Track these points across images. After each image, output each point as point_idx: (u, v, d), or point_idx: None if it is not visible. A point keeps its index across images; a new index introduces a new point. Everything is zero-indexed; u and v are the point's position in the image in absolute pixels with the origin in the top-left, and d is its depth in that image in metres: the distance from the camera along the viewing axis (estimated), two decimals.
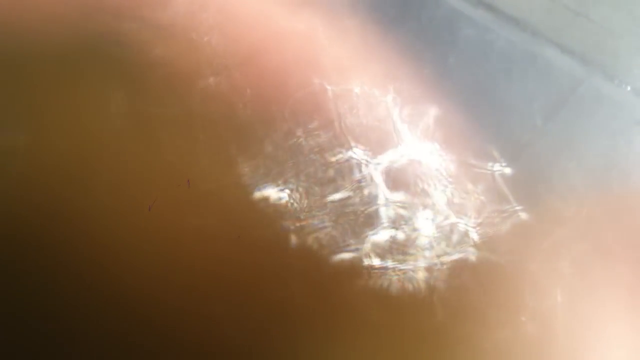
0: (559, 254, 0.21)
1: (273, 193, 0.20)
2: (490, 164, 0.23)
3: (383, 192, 0.21)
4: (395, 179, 0.21)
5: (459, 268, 0.20)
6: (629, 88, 0.25)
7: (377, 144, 0.22)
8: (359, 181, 0.20)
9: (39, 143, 0.20)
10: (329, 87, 0.21)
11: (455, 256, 0.20)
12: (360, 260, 0.19)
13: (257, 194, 0.20)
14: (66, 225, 0.19)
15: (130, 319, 0.19)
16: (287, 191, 0.20)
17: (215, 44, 0.21)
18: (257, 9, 0.22)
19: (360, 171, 0.21)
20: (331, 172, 0.21)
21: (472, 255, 0.21)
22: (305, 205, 0.20)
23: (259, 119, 0.20)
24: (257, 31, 0.22)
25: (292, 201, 0.20)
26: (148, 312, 0.19)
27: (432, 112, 0.23)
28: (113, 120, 0.20)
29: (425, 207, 0.21)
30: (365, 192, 0.21)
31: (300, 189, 0.20)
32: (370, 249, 0.20)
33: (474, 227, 0.21)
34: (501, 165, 0.23)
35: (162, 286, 0.19)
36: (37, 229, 0.19)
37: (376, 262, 0.20)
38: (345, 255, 0.19)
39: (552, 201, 0.23)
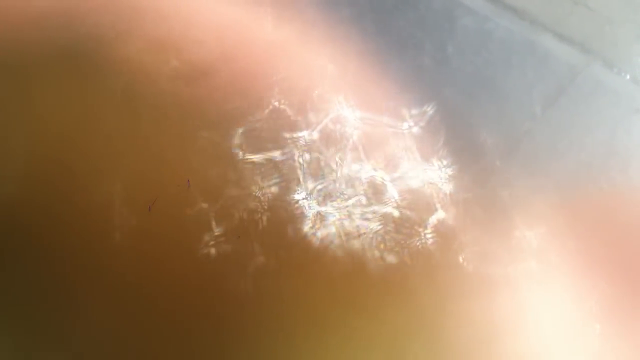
0: (552, 245, 0.22)
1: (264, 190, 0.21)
2: (488, 157, 0.23)
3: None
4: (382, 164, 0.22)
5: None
6: (628, 76, 0.25)
7: (376, 140, 0.22)
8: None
9: (38, 144, 0.20)
10: (316, 92, 0.22)
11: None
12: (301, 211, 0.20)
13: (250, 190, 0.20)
14: (66, 224, 0.19)
15: (130, 318, 0.19)
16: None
17: (187, 50, 0.22)
18: (230, 18, 0.23)
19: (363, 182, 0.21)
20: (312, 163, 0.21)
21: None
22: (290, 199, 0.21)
23: (231, 115, 0.21)
24: (229, 38, 0.22)
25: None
26: (148, 311, 0.19)
27: (432, 101, 0.23)
28: (111, 121, 0.20)
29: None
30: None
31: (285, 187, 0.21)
32: (309, 199, 0.21)
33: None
34: (496, 157, 0.23)
35: (162, 285, 0.19)
36: (36, 228, 0.19)
37: (313, 209, 0.21)
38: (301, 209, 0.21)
39: (549, 190, 0.23)
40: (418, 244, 0.21)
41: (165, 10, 0.22)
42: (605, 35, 0.25)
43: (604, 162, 0.23)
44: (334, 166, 0.21)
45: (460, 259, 0.21)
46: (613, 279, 0.21)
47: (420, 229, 0.21)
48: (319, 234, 0.20)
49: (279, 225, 0.20)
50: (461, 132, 0.23)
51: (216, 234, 0.20)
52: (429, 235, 0.21)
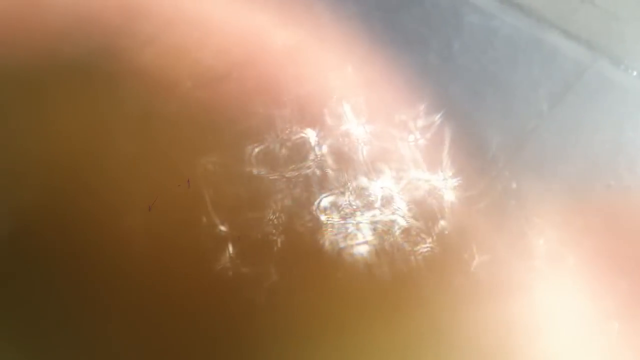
0: (564, 244, 0.22)
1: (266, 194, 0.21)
2: (492, 161, 0.23)
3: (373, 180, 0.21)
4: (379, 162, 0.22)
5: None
6: (635, 73, 0.24)
7: (384, 144, 0.22)
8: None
9: (44, 147, 0.20)
10: (334, 96, 0.22)
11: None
12: (313, 223, 0.21)
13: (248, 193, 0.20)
14: (69, 224, 0.20)
15: (129, 317, 0.19)
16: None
17: (201, 57, 0.22)
18: (243, 24, 0.23)
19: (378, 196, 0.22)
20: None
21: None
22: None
23: (244, 127, 0.21)
24: (242, 45, 0.22)
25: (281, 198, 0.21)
26: (148, 310, 0.19)
27: (437, 99, 0.23)
28: (112, 125, 0.21)
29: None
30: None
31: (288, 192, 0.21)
32: (321, 212, 0.21)
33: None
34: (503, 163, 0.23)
35: (162, 285, 0.19)
36: (40, 228, 0.19)
37: (325, 220, 0.21)
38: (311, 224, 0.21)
39: (557, 188, 0.23)
40: (429, 251, 0.21)
41: (178, 20, 0.22)
42: (612, 31, 0.25)
43: (611, 159, 0.23)
44: (345, 176, 0.21)
45: (472, 264, 0.21)
46: (628, 276, 0.21)
47: (431, 236, 0.21)
48: (332, 244, 0.20)
49: (291, 234, 0.20)
50: (467, 130, 0.23)
51: (231, 247, 0.20)
52: (439, 242, 0.21)
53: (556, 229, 0.22)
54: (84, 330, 0.19)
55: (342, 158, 0.21)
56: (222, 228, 0.20)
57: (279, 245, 0.20)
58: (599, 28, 0.25)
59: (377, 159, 0.22)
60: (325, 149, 0.21)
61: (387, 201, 0.21)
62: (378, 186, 0.21)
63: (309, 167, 0.21)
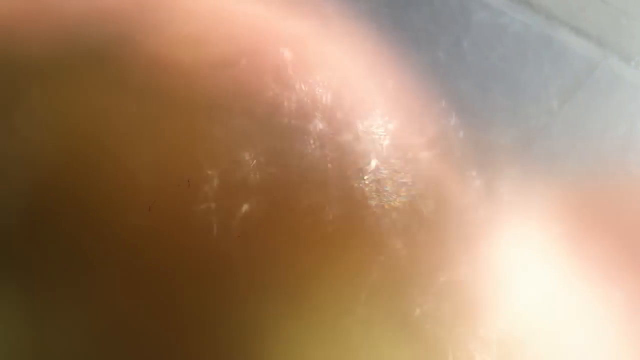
0: (569, 240, 0.22)
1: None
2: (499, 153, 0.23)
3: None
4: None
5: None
6: None
7: (385, 138, 0.22)
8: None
9: (43, 147, 0.20)
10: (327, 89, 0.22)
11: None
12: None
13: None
14: (69, 224, 0.19)
15: (129, 317, 0.19)
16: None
17: (205, 47, 0.22)
18: (249, 14, 0.23)
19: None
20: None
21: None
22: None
23: (249, 117, 0.21)
24: (248, 34, 0.22)
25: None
26: (147, 309, 0.19)
27: (446, 96, 0.23)
28: (111, 123, 0.21)
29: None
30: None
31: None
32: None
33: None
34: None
35: (162, 284, 0.19)
36: (39, 228, 0.19)
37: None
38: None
39: (566, 184, 0.23)
40: (397, 203, 0.20)
41: (187, 8, 0.22)
42: (621, 28, 0.25)
43: (622, 156, 0.23)
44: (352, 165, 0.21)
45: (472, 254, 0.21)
46: (631, 275, 0.21)
47: (423, 221, 0.21)
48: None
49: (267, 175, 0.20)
50: (476, 127, 0.23)
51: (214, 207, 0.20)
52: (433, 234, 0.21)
53: (559, 224, 0.22)
54: (87, 288, 0.19)
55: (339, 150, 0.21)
56: (209, 171, 0.20)
57: (254, 182, 0.20)
58: (609, 24, 0.25)
59: (370, 152, 0.22)
60: (322, 138, 0.21)
61: (362, 159, 0.21)
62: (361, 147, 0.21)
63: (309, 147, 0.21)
